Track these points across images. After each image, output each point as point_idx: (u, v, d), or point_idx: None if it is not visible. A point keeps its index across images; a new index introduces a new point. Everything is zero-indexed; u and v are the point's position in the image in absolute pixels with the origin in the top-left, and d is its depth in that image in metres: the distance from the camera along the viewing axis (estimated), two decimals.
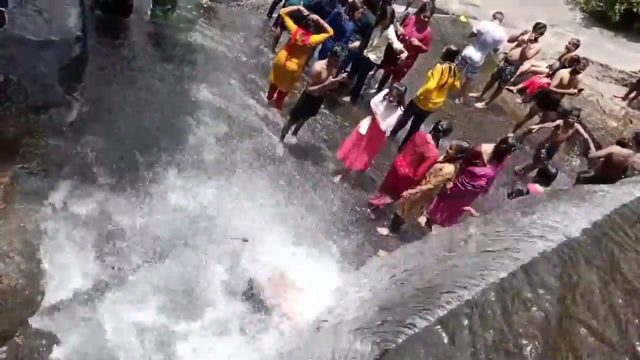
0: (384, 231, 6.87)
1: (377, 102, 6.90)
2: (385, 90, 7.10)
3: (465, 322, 2.31)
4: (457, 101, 10.06)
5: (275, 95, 8.03)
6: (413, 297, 2.80)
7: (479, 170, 6.44)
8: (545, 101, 9.19)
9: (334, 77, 6.92)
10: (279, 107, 8.07)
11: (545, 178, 6.22)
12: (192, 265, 5.34)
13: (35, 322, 4.41)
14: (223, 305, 5.16)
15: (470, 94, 10.30)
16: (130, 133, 6.48)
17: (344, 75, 7.36)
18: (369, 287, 3.78)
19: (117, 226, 5.48)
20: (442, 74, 7.66)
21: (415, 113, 8.01)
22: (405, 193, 6.37)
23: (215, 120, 7.35)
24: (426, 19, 8.35)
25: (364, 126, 6.96)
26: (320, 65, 6.90)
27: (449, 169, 6.13)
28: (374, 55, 8.36)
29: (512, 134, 6.64)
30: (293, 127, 7.59)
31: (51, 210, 5.29)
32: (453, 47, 7.88)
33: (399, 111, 6.92)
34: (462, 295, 2.51)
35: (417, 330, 2.41)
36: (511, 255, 2.91)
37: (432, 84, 7.69)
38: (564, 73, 8.89)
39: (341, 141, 7.59)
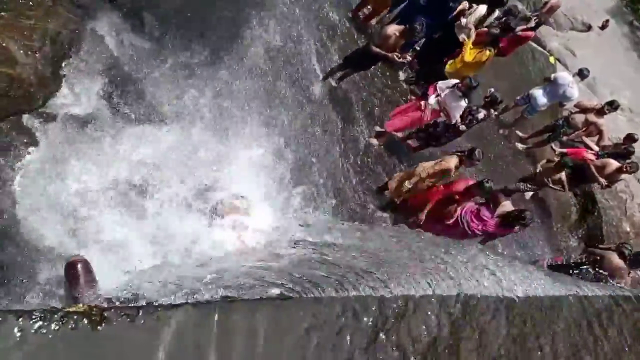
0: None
1: (444, 87, 7.00)
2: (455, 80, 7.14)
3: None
4: (501, 131, 9.95)
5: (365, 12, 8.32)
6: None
7: (485, 213, 6.37)
8: (580, 174, 9.04)
9: (399, 54, 6.89)
10: (364, 22, 8.40)
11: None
12: (182, 148, 5.49)
13: (26, 119, 4.64)
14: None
15: (518, 132, 10.16)
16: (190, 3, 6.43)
17: (408, 58, 7.30)
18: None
19: (142, 79, 5.61)
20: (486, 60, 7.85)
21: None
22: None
23: (276, 29, 7.33)
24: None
25: (431, 102, 7.07)
26: (392, 30, 6.79)
27: (450, 161, 6.34)
28: (463, 35, 8.13)
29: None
30: (340, 73, 7.59)
31: (89, 31, 5.42)
32: (495, 31, 7.83)
33: (463, 103, 7.01)
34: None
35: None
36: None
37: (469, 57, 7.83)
38: (613, 165, 8.55)
39: (377, 109, 7.67)
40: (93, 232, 4.48)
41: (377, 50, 6.83)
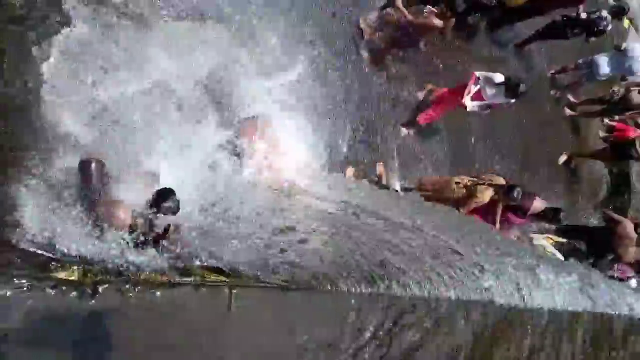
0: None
1: (486, 82, 6.44)
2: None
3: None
4: (553, 92, 9.38)
5: None
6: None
7: (514, 219, 6.26)
8: (621, 151, 8.66)
9: None
10: None
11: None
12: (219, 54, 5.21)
13: None
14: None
15: (570, 97, 9.54)
16: None
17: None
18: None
19: None
20: None
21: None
22: None
23: None
24: None
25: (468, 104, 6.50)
26: None
27: (485, 194, 5.95)
28: None
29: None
30: None
31: None
32: None
33: (503, 100, 6.50)
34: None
35: None
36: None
37: None
38: None
39: None
40: (115, 132, 4.36)
41: None
